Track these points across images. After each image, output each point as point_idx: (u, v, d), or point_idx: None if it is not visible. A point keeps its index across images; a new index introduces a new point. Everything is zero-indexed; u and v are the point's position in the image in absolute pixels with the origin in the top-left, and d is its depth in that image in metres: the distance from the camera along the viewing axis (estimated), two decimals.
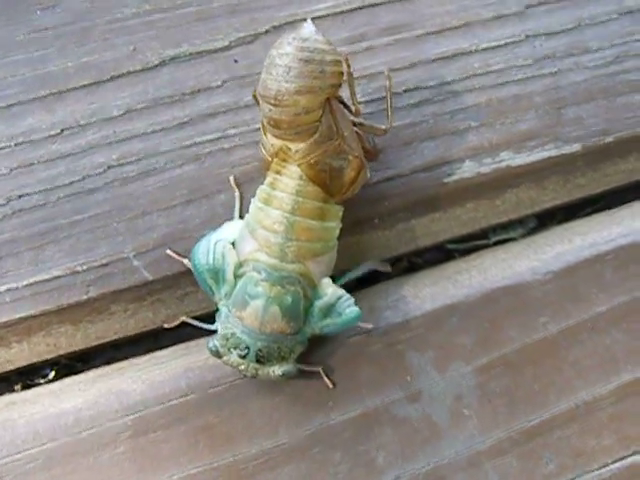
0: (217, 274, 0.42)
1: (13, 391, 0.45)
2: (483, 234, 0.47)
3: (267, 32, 0.46)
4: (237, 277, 0.42)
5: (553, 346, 0.45)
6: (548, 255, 0.46)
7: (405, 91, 0.46)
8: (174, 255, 0.44)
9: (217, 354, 0.42)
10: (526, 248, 0.46)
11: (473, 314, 0.45)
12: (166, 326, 0.45)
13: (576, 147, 0.46)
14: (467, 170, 0.46)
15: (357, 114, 0.42)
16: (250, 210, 0.42)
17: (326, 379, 0.43)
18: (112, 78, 0.45)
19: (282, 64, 0.38)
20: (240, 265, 0.42)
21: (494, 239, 0.47)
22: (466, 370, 0.44)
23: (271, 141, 0.40)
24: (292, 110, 0.38)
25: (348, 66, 0.40)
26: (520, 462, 0.44)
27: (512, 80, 0.46)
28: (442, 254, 0.47)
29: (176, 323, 0.44)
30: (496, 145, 0.46)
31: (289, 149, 0.40)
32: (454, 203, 0.46)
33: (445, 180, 0.45)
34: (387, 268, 0.45)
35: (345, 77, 0.40)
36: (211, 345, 0.42)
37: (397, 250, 0.46)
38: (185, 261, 0.43)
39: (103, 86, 0.45)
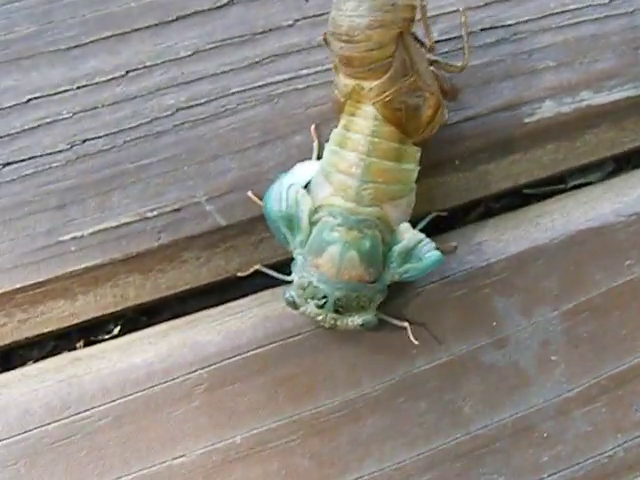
0: (291, 221, 0.40)
1: (75, 349, 0.43)
2: (560, 179, 0.46)
3: None
4: (312, 224, 0.40)
5: (639, 289, 0.43)
6: (630, 197, 0.44)
7: (482, 30, 0.44)
8: (255, 199, 0.42)
9: (294, 305, 0.40)
10: (607, 191, 0.45)
11: (558, 257, 0.43)
12: (240, 275, 0.42)
13: None
14: (547, 110, 0.44)
15: (432, 50, 0.40)
16: (325, 154, 0.40)
17: (411, 336, 0.41)
18: (178, 18, 0.43)
19: None
20: (315, 211, 0.40)
21: (572, 183, 0.46)
22: (552, 315, 0.43)
23: (344, 81, 0.39)
24: (364, 45, 0.37)
25: None
26: (609, 409, 0.42)
27: (588, 19, 0.45)
28: (519, 199, 0.46)
29: (250, 271, 0.42)
30: (575, 84, 0.44)
31: (362, 88, 0.38)
32: (535, 144, 0.44)
33: (525, 120, 0.44)
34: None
35: (419, 11, 0.38)
36: (287, 295, 0.40)
37: (477, 193, 0.44)
38: (265, 216, 0.41)
39: (169, 26, 0.43)
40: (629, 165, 0.47)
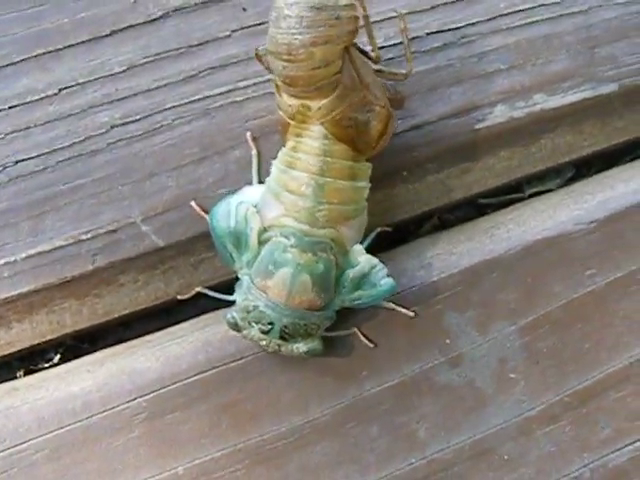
0: (239, 239, 0.38)
1: (15, 378, 0.41)
2: (517, 187, 0.44)
3: None
4: (261, 243, 0.38)
5: (601, 300, 0.41)
6: (590, 204, 0.42)
7: (428, 34, 0.42)
8: (198, 209, 0.40)
9: (236, 327, 0.38)
10: (565, 198, 0.43)
11: (514, 269, 0.41)
12: (180, 297, 0.41)
13: (612, 87, 0.43)
14: (499, 115, 0.42)
15: (377, 60, 0.38)
16: (272, 173, 0.38)
17: (364, 339, 0.40)
18: (112, 33, 0.42)
19: (293, 14, 0.34)
20: (265, 230, 0.38)
21: (529, 191, 0.44)
22: (510, 330, 0.41)
23: (288, 101, 0.37)
24: (309, 64, 0.35)
25: (364, 9, 0.36)
26: (574, 428, 0.40)
27: (541, 19, 0.43)
28: (474, 210, 0.44)
29: (191, 294, 0.40)
30: (528, 87, 0.43)
31: (309, 108, 0.36)
32: (487, 151, 0.43)
33: (476, 126, 0.42)
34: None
35: (361, 22, 0.36)
36: (229, 317, 0.38)
37: (429, 204, 0.42)
38: (208, 217, 0.39)
39: (103, 42, 0.42)
40: (590, 170, 0.45)
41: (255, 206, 0.38)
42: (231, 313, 0.38)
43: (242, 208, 0.38)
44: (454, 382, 0.40)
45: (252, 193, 0.39)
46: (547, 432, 0.40)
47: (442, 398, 0.40)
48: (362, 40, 0.38)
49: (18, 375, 0.42)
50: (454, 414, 0.40)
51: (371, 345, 0.40)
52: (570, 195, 0.43)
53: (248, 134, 0.41)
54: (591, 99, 0.43)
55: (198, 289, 0.40)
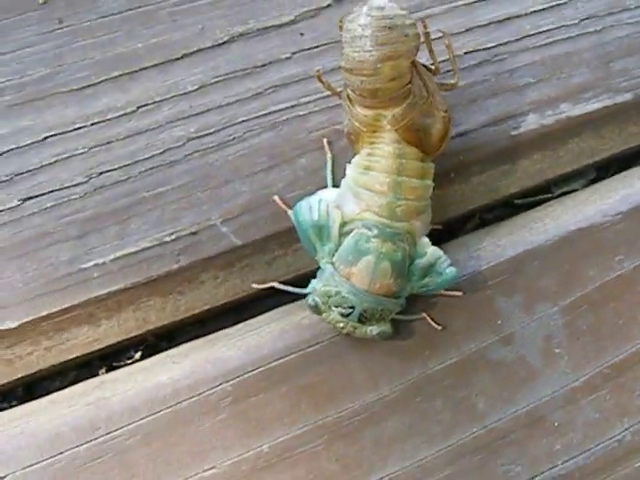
0: (321, 231, 0.42)
1: (97, 375, 0.45)
2: (546, 188, 0.49)
3: (329, 6, 0.47)
4: (342, 235, 0.42)
5: (631, 282, 0.46)
6: (614, 199, 0.48)
7: (465, 53, 0.48)
8: (280, 203, 0.44)
9: (317, 310, 0.42)
10: (591, 195, 0.48)
11: (553, 257, 0.46)
12: (255, 286, 0.44)
13: (627, 96, 0.49)
14: (531, 122, 0.47)
15: (437, 72, 0.43)
16: (348, 176, 0.43)
17: (433, 322, 0.44)
18: (183, 56, 0.46)
19: (367, 34, 0.39)
20: (346, 224, 0.42)
21: (557, 192, 0.49)
22: (553, 311, 0.45)
23: (363, 112, 0.41)
24: (386, 76, 0.40)
25: (425, 26, 0.42)
26: (613, 396, 0.45)
27: (561, 39, 0.49)
28: (510, 210, 0.49)
29: (266, 285, 0.44)
30: (555, 98, 0.48)
31: (383, 116, 0.41)
32: (522, 155, 0.48)
33: (512, 133, 0.47)
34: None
35: (423, 38, 0.41)
36: (311, 301, 0.42)
37: (473, 203, 0.47)
38: (289, 212, 0.43)
39: (175, 64, 0.46)
40: (609, 172, 0.50)
41: (334, 203, 0.43)
42: (312, 297, 0.42)
43: (323, 204, 0.42)
44: (507, 358, 0.45)
45: (328, 194, 0.43)
46: (590, 400, 0.45)
47: (497, 373, 0.44)
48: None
49: (100, 373, 0.45)
50: (508, 387, 0.44)
51: (438, 327, 0.44)
52: (595, 193, 0.48)
53: (324, 140, 0.46)
54: (609, 107, 0.49)
55: (273, 284, 0.44)
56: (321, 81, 0.44)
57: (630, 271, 0.46)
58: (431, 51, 0.43)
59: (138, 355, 0.45)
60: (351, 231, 0.42)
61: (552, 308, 0.45)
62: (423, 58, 0.43)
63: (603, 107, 0.49)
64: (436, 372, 0.44)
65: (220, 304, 0.45)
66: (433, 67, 0.43)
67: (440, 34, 0.44)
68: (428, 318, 0.44)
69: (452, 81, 0.44)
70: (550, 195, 0.49)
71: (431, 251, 0.43)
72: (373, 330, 0.42)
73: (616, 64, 0.49)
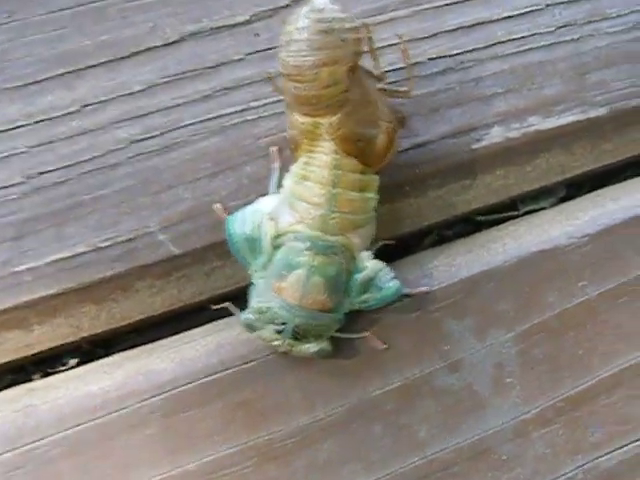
0: (253, 244, 0.40)
1: (31, 381, 0.43)
2: (512, 205, 0.46)
3: (287, 6, 0.45)
4: (275, 248, 0.40)
5: (593, 310, 0.44)
6: (582, 220, 0.45)
7: (429, 60, 0.45)
8: (219, 212, 0.42)
9: (251, 328, 0.40)
10: (558, 214, 0.45)
11: (511, 280, 0.43)
12: (214, 307, 0.42)
13: (602, 111, 0.46)
14: (496, 135, 0.45)
15: (382, 79, 0.41)
16: (285, 185, 0.41)
17: (377, 341, 0.42)
18: (132, 55, 0.44)
19: (302, 38, 0.37)
20: (278, 236, 0.40)
21: (524, 209, 0.46)
22: (506, 337, 0.43)
23: (300, 119, 0.39)
24: (320, 83, 0.37)
25: (368, 31, 0.39)
26: (566, 431, 0.42)
27: (535, 47, 0.46)
28: (471, 227, 0.46)
29: (220, 306, 0.42)
30: (523, 110, 0.45)
31: (320, 124, 0.39)
32: (484, 170, 0.45)
33: (474, 146, 0.45)
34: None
35: (366, 43, 0.39)
36: (244, 318, 0.40)
37: (429, 219, 0.45)
38: (224, 224, 0.41)
39: (123, 63, 0.44)
40: (581, 191, 0.47)
41: (269, 214, 0.41)
42: (246, 314, 0.40)
43: (257, 215, 0.41)
44: (454, 386, 0.42)
45: (266, 203, 0.41)
46: (542, 434, 0.42)
47: (442, 401, 0.42)
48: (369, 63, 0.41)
49: (34, 379, 0.43)
50: (453, 416, 0.42)
51: (382, 347, 0.42)
52: (563, 212, 0.45)
53: (274, 149, 0.43)
54: (582, 122, 0.46)
55: (227, 304, 0.42)
56: (273, 84, 0.42)
57: (594, 298, 0.44)
58: (375, 58, 0.40)
59: (74, 362, 0.44)
60: (283, 244, 0.40)
61: (506, 334, 0.43)
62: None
63: (575, 121, 0.46)
64: (377, 396, 0.42)
65: (156, 314, 0.43)
66: (378, 73, 0.40)
67: (398, 39, 0.42)
68: (372, 336, 0.42)
69: (405, 88, 0.41)
70: (516, 213, 0.46)
71: (371, 265, 0.41)
72: (310, 348, 0.40)
73: (592, 76, 0.46)
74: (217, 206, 0.43)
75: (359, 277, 0.41)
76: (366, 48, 0.40)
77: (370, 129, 0.40)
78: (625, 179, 0.47)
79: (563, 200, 0.47)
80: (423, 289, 0.43)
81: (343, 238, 0.40)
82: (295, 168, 0.41)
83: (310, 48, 0.37)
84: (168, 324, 0.44)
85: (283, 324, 0.40)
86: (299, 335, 0.40)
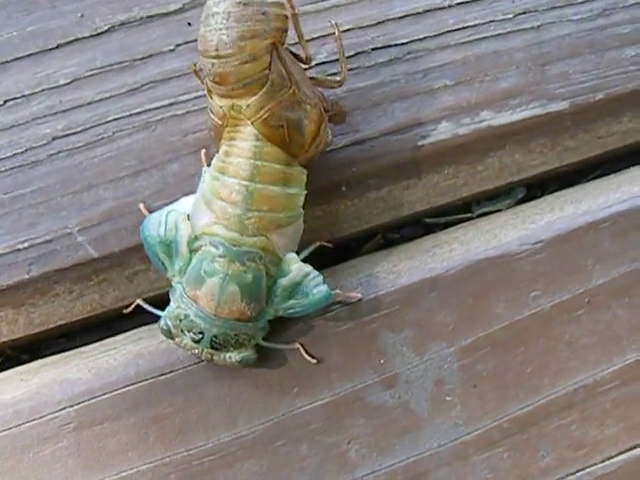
0: (170, 247, 0.38)
1: None
2: (466, 207, 0.43)
3: None
4: (192, 252, 0.37)
5: (546, 323, 0.40)
6: (537, 224, 0.41)
7: (373, 49, 0.42)
8: (145, 211, 0.40)
9: (169, 334, 0.38)
10: (513, 217, 0.42)
11: (455, 289, 0.40)
12: (125, 312, 0.40)
13: (563, 105, 0.42)
14: (443, 131, 0.41)
15: (308, 61, 0.38)
16: (205, 180, 0.38)
17: (306, 355, 0.39)
18: (59, 46, 0.42)
19: (220, 11, 0.35)
20: (195, 238, 0.37)
21: (478, 212, 0.43)
22: (448, 351, 0.40)
23: (219, 103, 0.37)
24: (237, 58, 0.35)
25: (292, 7, 0.37)
26: (513, 455, 0.39)
27: (490, 36, 0.42)
28: (421, 229, 0.43)
29: (131, 308, 0.40)
30: (475, 104, 0.42)
31: (239, 107, 0.36)
32: (431, 169, 0.42)
33: (419, 143, 0.41)
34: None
35: (291, 20, 0.36)
36: (162, 324, 0.38)
37: (369, 222, 0.42)
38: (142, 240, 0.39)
39: (49, 54, 0.42)
40: (544, 192, 0.44)
41: (188, 215, 0.38)
42: (164, 320, 0.38)
43: (172, 216, 0.38)
44: (388, 403, 0.39)
45: (185, 203, 0.39)
46: (484, 458, 0.39)
47: (375, 419, 0.39)
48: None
49: None
50: (387, 436, 0.39)
51: (312, 360, 0.39)
52: (518, 215, 0.42)
53: (203, 151, 0.40)
54: (541, 116, 0.42)
55: (138, 301, 0.40)
56: (198, 76, 0.39)
57: (546, 310, 0.40)
58: (300, 35, 0.37)
59: None
60: (200, 248, 0.37)
61: (447, 348, 0.40)
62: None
63: (533, 116, 0.42)
64: (304, 412, 0.39)
65: (77, 319, 0.41)
66: (304, 54, 0.38)
67: (331, 21, 0.39)
68: (301, 349, 0.39)
69: (338, 78, 0.38)
70: (469, 215, 0.43)
71: (297, 268, 0.38)
72: (232, 356, 0.38)
73: (553, 67, 0.42)
74: (142, 206, 0.40)
75: (283, 282, 0.38)
76: (291, 27, 0.37)
77: (293, 112, 0.36)
78: (593, 179, 0.44)
79: (522, 201, 0.43)
80: (355, 295, 0.40)
81: (263, 239, 0.37)
82: (215, 160, 0.38)
83: (228, 20, 0.35)
84: (97, 328, 0.42)
85: (200, 333, 0.37)
86: (218, 345, 0.37)
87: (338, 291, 0.39)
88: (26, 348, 0.42)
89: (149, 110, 0.42)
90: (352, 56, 0.41)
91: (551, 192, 0.43)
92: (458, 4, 0.42)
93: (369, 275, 0.40)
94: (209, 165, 0.39)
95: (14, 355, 0.42)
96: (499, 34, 0.42)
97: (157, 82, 0.42)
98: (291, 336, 0.39)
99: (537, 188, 0.44)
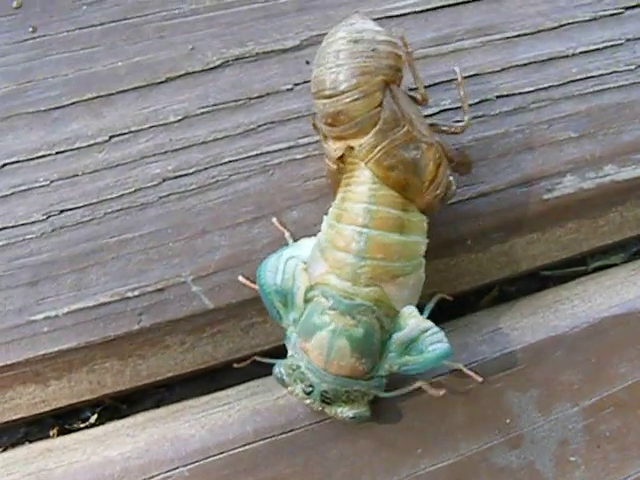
0: (286, 297, 0.36)
1: (48, 437, 0.39)
2: (581, 260, 0.42)
3: None
4: (307, 301, 0.36)
5: None
6: None
7: (498, 97, 0.41)
8: (246, 282, 0.38)
9: (282, 382, 0.36)
10: (632, 274, 0.41)
11: (579, 347, 0.39)
12: (236, 366, 0.39)
13: None
14: (568, 185, 0.41)
15: (424, 101, 0.37)
16: (322, 228, 0.36)
17: (472, 374, 0.37)
18: (168, 80, 0.40)
19: (331, 51, 0.34)
20: (311, 288, 0.36)
21: (593, 265, 0.42)
22: (572, 411, 0.39)
23: (333, 146, 0.35)
24: (348, 96, 0.34)
25: (405, 45, 0.36)
26: None
27: (613, 87, 0.42)
28: (536, 282, 0.42)
29: (247, 362, 0.38)
30: (599, 158, 0.41)
31: (353, 148, 0.35)
32: (554, 223, 0.41)
33: (545, 196, 0.40)
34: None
35: (405, 59, 0.35)
36: (277, 371, 0.36)
37: (491, 276, 0.40)
38: (258, 288, 0.37)
39: (157, 89, 0.40)
40: None
41: (305, 262, 0.37)
42: (279, 368, 0.36)
43: (291, 264, 0.36)
44: (513, 464, 0.38)
45: (304, 247, 0.37)
46: None
47: None
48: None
49: (51, 434, 0.39)
50: None
51: (480, 379, 0.38)
52: (637, 271, 0.41)
53: (274, 219, 0.39)
54: None
55: (255, 357, 0.38)
56: (315, 128, 0.37)
57: None
58: (415, 75, 0.36)
59: (94, 418, 0.40)
60: (313, 298, 0.36)
61: (572, 408, 0.39)
62: None
63: None
64: (428, 474, 0.38)
65: (187, 372, 0.39)
66: (419, 94, 0.36)
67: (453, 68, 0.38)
68: (464, 369, 0.37)
69: (460, 123, 0.37)
70: (584, 268, 0.42)
71: (414, 323, 0.36)
72: (344, 412, 0.36)
73: None
74: (241, 278, 0.39)
75: (398, 336, 0.36)
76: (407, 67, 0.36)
77: (409, 151, 0.35)
78: None
79: (635, 255, 0.43)
80: (477, 378, 0.38)
81: (377, 290, 0.35)
82: (332, 207, 0.36)
83: (339, 58, 0.34)
84: (200, 380, 0.40)
85: (311, 386, 0.35)
86: (328, 399, 0.36)
87: (460, 366, 0.38)
88: (125, 397, 0.40)
89: (266, 153, 0.40)
90: (476, 103, 0.40)
91: None
92: (581, 53, 0.42)
93: (492, 331, 0.39)
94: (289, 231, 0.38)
95: (112, 405, 0.40)
96: (622, 85, 0.42)
97: (275, 123, 0.40)
98: (414, 396, 0.38)
99: None
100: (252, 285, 0.38)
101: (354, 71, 0.34)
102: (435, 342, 0.36)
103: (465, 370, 0.38)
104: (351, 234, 0.35)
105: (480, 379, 0.38)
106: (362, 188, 0.35)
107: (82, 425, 0.40)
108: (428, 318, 0.37)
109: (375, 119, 0.34)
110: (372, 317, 0.35)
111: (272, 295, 0.36)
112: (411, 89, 0.38)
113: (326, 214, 0.37)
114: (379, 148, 0.34)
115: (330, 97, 0.34)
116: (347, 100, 0.34)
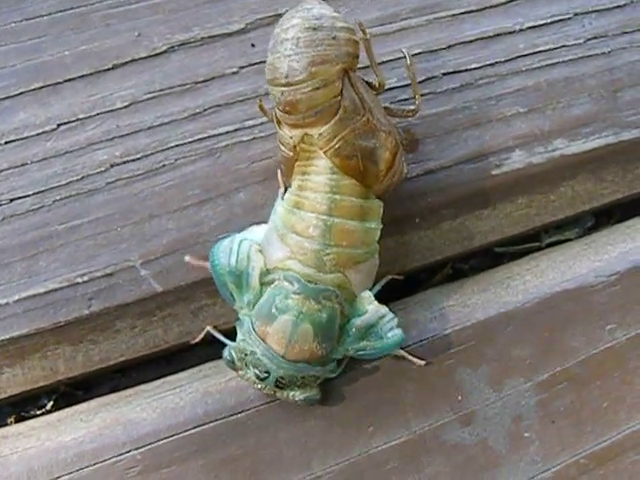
0: (240, 278, 0.36)
1: (5, 425, 0.40)
2: (534, 236, 0.42)
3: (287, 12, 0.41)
4: (263, 284, 0.36)
5: (622, 357, 0.39)
6: (611, 255, 0.40)
7: (444, 74, 0.41)
8: (194, 262, 0.38)
9: (232, 366, 0.36)
10: (585, 248, 0.41)
11: (530, 323, 0.39)
12: (192, 342, 0.39)
13: (636, 133, 0.41)
14: (517, 160, 0.40)
15: (381, 87, 0.36)
16: (277, 212, 0.36)
17: (414, 358, 0.38)
18: (114, 67, 0.40)
19: (289, 37, 0.33)
20: (268, 272, 0.36)
21: (547, 241, 0.42)
22: (525, 387, 0.39)
23: (289, 133, 0.35)
24: (308, 85, 0.33)
25: (363, 32, 0.35)
26: None
27: (562, 61, 0.41)
28: (489, 259, 0.42)
29: (201, 336, 0.39)
30: (548, 132, 0.41)
31: (311, 136, 0.34)
32: (504, 198, 0.41)
33: (493, 172, 0.40)
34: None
35: (362, 46, 0.35)
36: (227, 354, 0.36)
37: (442, 253, 0.40)
38: (208, 266, 0.37)
39: (104, 76, 0.40)
40: (610, 220, 0.43)
41: (259, 245, 0.37)
42: (229, 351, 0.36)
43: (245, 245, 0.36)
44: (465, 441, 0.38)
45: (258, 232, 0.37)
46: None
47: (452, 458, 0.38)
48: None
49: (9, 422, 0.40)
50: (465, 475, 0.38)
51: (422, 363, 0.38)
52: (590, 246, 0.41)
53: (279, 171, 0.39)
54: (613, 145, 0.41)
55: (208, 328, 0.38)
56: (263, 111, 0.37)
57: (622, 343, 0.39)
58: (372, 61, 0.36)
59: (49, 405, 0.40)
60: (272, 282, 0.36)
61: (525, 384, 0.39)
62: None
63: (606, 145, 0.41)
64: (380, 452, 0.38)
65: (139, 356, 0.39)
66: (377, 80, 0.36)
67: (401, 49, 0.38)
68: (406, 354, 0.38)
69: (412, 107, 0.37)
70: (538, 244, 0.42)
71: (372, 309, 0.36)
72: (296, 395, 0.36)
73: (625, 94, 0.42)
74: (187, 258, 0.39)
75: (357, 322, 0.36)
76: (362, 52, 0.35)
77: (367, 140, 0.35)
78: None
79: (590, 230, 0.43)
80: (420, 362, 0.38)
81: (340, 276, 0.35)
82: (288, 194, 0.36)
83: (297, 46, 0.33)
84: (154, 364, 0.40)
85: (267, 372, 0.36)
86: (283, 385, 0.36)
87: (402, 352, 0.38)
88: (80, 384, 0.40)
89: (213, 136, 0.40)
90: (423, 81, 0.40)
91: (618, 221, 0.43)
92: (529, 28, 0.41)
93: (442, 309, 0.39)
94: (286, 187, 0.37)
95: (68, 391, 0.40)
96: (570, 59, 0.41)
97: (221, 106, 0.40)
98: (366, 373, 0.38)
99: (604, 216, 0.43)
100: (200, 263, 0.38)
101: (314, 59, 0.33)
102: (391, 329, 0.36)
103: (407, 355, 0.38)
104: (315, 222, 0.35)
105: (422, 362, 0.38)
106: (321, 178, 0.35)
107: (39, 412, 0.40)
108: (375, 297, 0.37)
109: (335, 108, 0.34)
110: (335, 302, 0.36)
111: (225, 276, 0.36)
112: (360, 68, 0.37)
113: (275, 196, 0.37)
114: (339, 137, 0.34)
115: (288, 85, 0.34)
116: (307, 89, 0.34)
